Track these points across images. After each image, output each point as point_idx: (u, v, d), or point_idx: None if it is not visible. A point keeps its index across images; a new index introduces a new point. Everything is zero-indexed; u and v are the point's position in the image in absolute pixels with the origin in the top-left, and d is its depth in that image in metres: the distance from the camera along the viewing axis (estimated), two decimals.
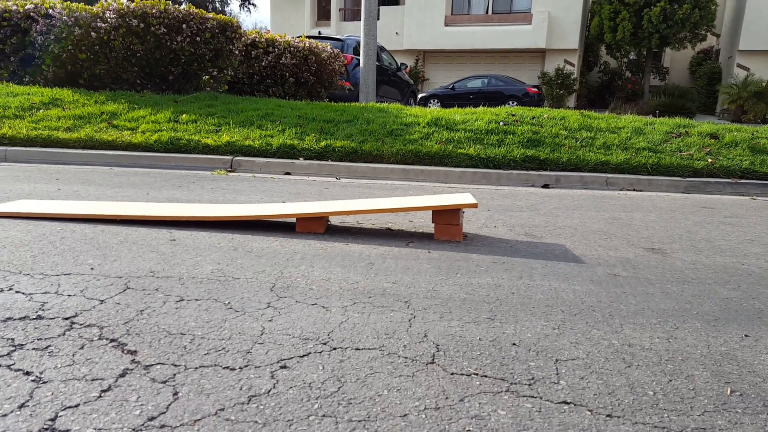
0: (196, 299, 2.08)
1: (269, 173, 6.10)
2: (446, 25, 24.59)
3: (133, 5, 7.64)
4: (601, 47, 24.53)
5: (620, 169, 6.13)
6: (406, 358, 1.69)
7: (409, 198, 3.99)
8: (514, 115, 7.41)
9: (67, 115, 6.70)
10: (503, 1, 24.43)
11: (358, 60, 12.25)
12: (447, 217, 3.22)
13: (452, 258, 2.80)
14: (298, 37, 10.58)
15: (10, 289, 2.10)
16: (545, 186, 5.93)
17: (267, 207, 3.52)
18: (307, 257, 2.71)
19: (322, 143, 6.58)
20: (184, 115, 6.97)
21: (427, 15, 24.40)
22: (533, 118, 7.35)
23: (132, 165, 6.04)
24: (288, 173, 6.14)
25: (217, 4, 40.09)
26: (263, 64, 9.87)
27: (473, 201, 3.17)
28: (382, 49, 13.12)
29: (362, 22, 10.10)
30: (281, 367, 1.60)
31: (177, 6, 7.81)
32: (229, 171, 6.11)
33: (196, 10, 7.97)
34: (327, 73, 10.39)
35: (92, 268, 2.37)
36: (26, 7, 7.81)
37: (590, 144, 6.63)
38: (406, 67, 15.22)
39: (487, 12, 24.68)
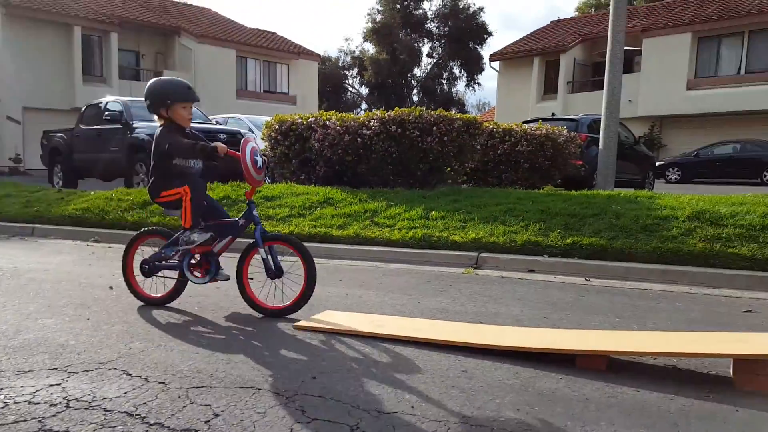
0: None
1: (513, 270, 6.24)
2: (689, 89, 22.72)
3: (392, 113, 8.75)
4: None
5: None
6: None
7: (703, 335, 3.72)
8: None
9: (338, 213, 7.83)
10: (760, 59, 21.65)
11: (592, 138, 11.99)
12: (755, 366, 2.91)
13: None
14: (534, 122, 10.84)
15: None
16: None
17: (545, 337, 3.62)
18: (602, 408, 2.71)
19: (568, 240, 6.54)
20: (433, 212, 7.59)
21: (666, 80, 22.91)
22: None
23: (392, 260, 6.75)
24: (532, 270, 6.21)
25: (445, 86, 43.26)
26: (498, 152, 10.30)
27: None
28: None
29: (604, 103, 9.91)
30: None
31: (430, 111, 8.71)
32: (475, 267, 6.42)
33: (445, 113, 8.80)
34: (563, 157, 10.38)
35: (412, 407, 2.72)
36: (309, 120, 9.50)
37: None
38: (643, 140, 14.45)
39: (739, 72, 22.17)
